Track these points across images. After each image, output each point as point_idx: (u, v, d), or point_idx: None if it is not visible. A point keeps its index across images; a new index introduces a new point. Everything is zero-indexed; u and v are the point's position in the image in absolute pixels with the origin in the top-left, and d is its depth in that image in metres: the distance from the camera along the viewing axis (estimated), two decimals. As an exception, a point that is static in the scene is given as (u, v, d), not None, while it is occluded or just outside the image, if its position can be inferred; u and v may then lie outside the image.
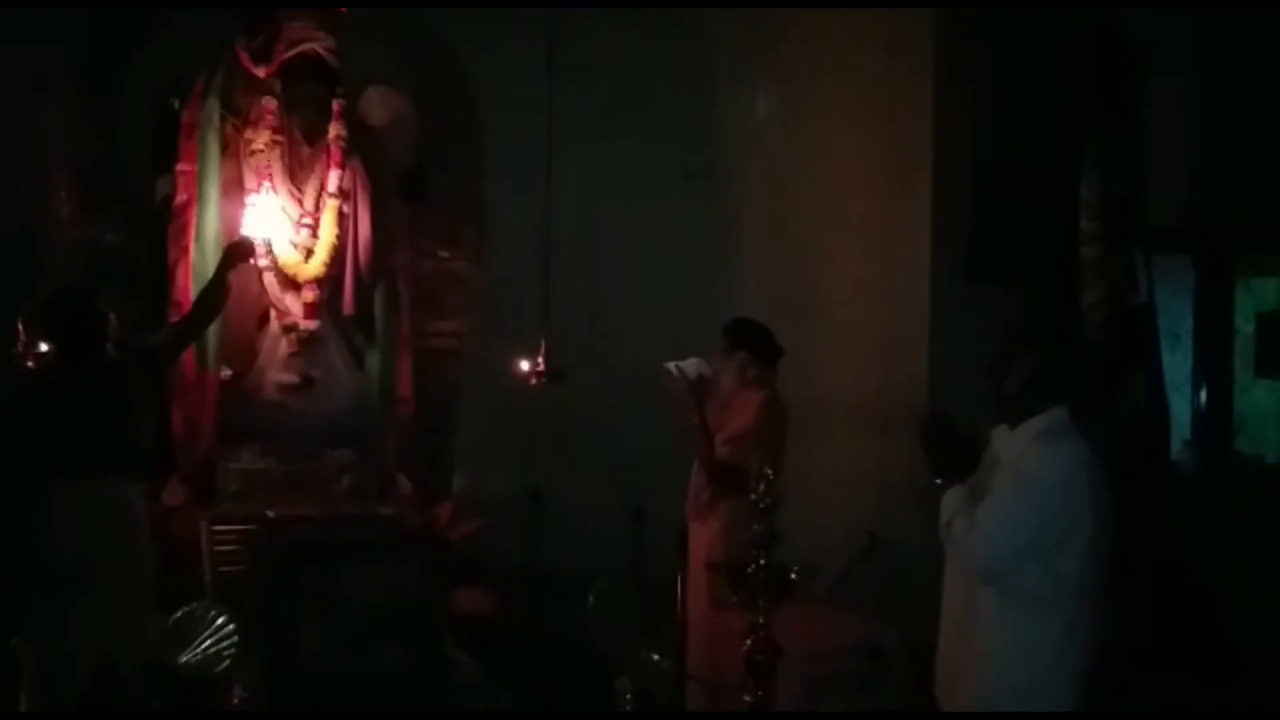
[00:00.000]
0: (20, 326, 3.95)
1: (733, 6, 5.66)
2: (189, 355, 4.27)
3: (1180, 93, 5.12)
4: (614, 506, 5.24)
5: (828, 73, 5.55)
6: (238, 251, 4.11)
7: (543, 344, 4.66)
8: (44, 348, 3.93)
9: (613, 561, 5.01)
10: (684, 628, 4.00)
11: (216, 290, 4.02)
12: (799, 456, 4.22)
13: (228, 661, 2.52)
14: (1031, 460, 2.47)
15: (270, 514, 4.07)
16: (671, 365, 4.07)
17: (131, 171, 5.10)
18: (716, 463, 4.04)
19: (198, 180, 4.41)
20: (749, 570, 2.67)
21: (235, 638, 2.51)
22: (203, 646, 2.50)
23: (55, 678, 3.07)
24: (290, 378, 4.44)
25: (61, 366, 3.63)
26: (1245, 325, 5.57)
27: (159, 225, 4.59)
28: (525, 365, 4.68)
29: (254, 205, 4.36)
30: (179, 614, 2.57)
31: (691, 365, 4.07)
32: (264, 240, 4.27)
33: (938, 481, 2.71)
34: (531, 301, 4.98)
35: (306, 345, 4.47)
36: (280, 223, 4.43)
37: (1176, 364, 5.41)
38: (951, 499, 2.58)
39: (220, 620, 2.53)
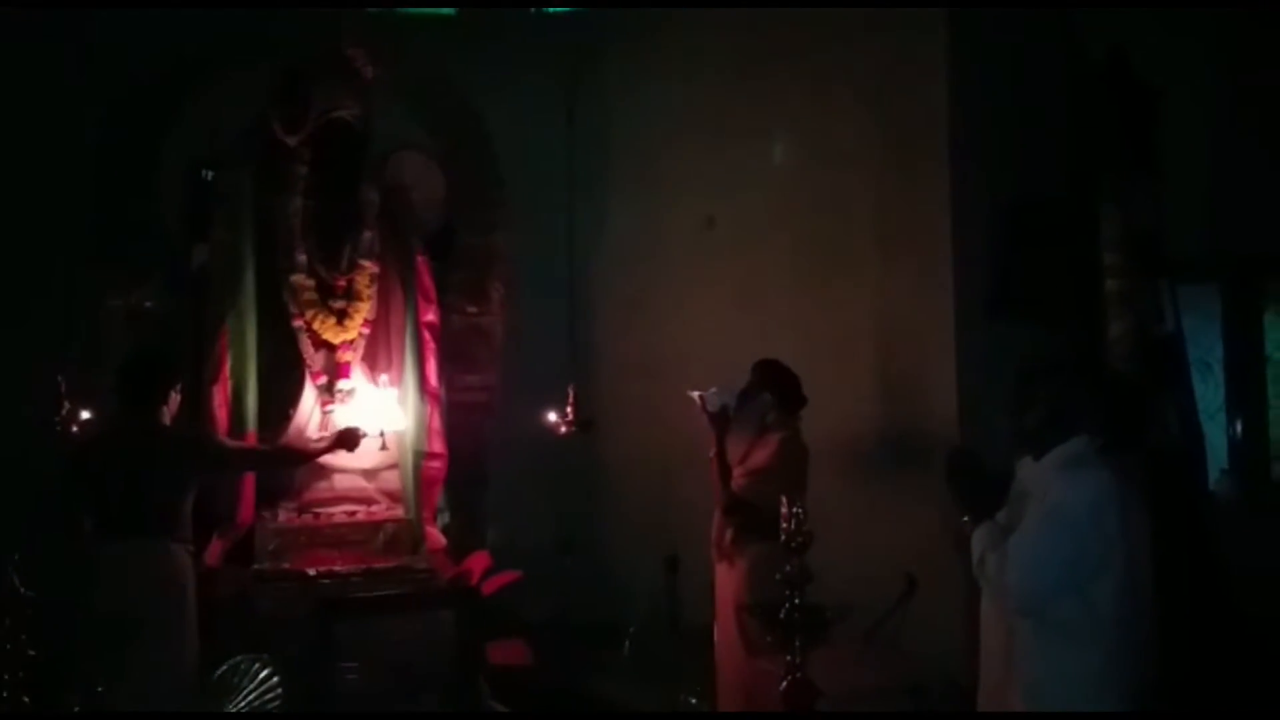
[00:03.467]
0: (62, 392, 4.06)
1: (742, 6, 5.74)
2: (226, 415, 4.37)
3: (1205, 122, 5.16)
4: (647, 557, 5.26)
5: (845, 114, 5.62)
6: (344, 441, 4.20)
7: (570, 394, 4.73)
8: (85, 415, 4.05)
9: (647, 612, 5.02)
10: (716, 670, 4.00)
11: (306, 456, 4.26)
12: (831, 497, 4.23)
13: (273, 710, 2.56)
14: (1056, 490, 2.47)
15: (310, 571, 4.13)
16: (695, 393, 4.14)
17: (168, 239, 5.24)
18: (730, 495, 4.08)
19: (230, 248, 4.55)
20: (782, 611, 2.69)
21: (279, 690, 2.55)
22: (248, 698, 2.54)
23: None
24: (325, 435, 4.51)
25: (120, 429, 3.75)
26: (1276, 352, 5.54)
27: (196, 292, 4.71)
28: (553, 416, 4.75)
29: (358, 393, 4.51)
30: (224, 667, 2.62)
31: (714, 396, 4.14)
32: (370, 433, 4.33)
33: (965, 519, 2.72)
34: (558, 353, 5.06)
35: (340, 405, 4.55)
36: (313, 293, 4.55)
37: (1210, 393, 5.38)
38: (982, 535, 2.58)
39: (265, 673, 2.57)
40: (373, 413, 4.39)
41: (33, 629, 2.13)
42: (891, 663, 3.76)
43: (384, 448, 4.40)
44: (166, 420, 3.75)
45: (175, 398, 3.79)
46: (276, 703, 2.52)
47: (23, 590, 2.10)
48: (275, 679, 2.51)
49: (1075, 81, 5.18)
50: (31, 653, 2.12)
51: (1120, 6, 5.05)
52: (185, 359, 4.30)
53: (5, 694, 2.07)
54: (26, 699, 2.08)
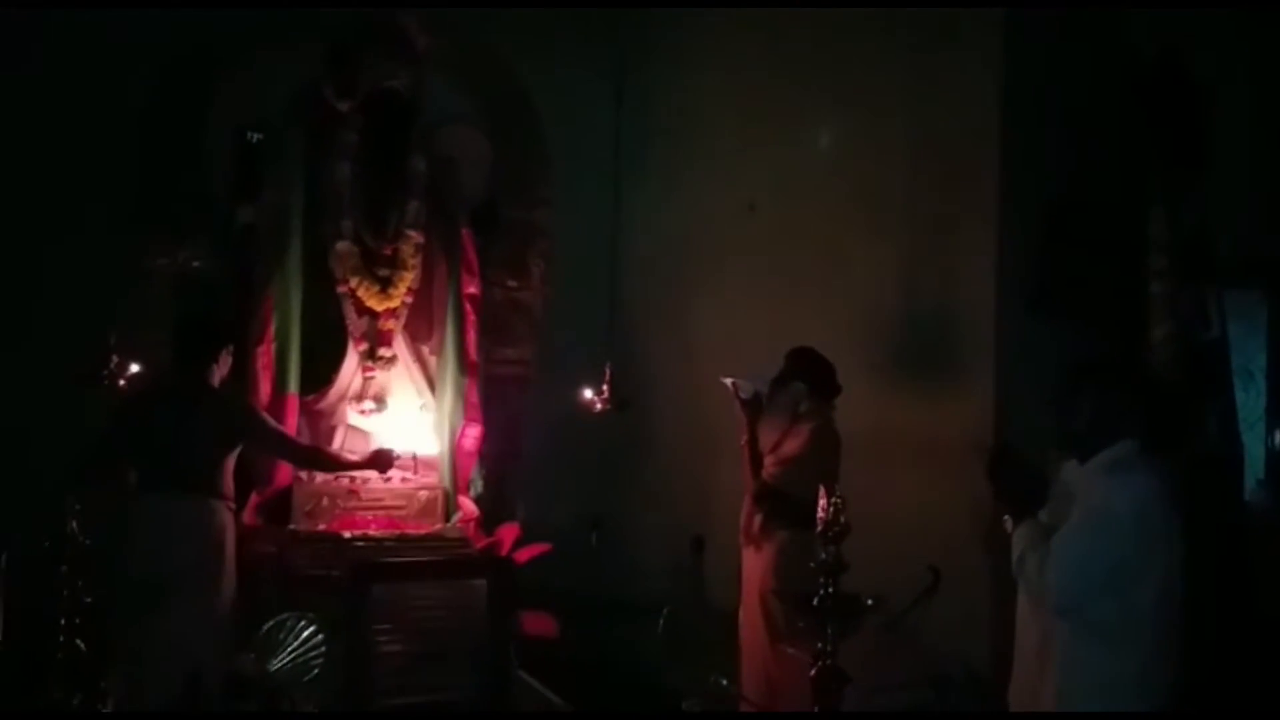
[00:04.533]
0: (110, 345, 4.13)
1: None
2: (269, 377, 4.44)
3: (1250, 125, 5.08)
4: (675, 536, 5.29)
5: (893, 107, 5.58)
6: (376, 462, 4.26)
7: (606, 372, 4.75)
8: (135, 368, 4.12)
9: (673, 591, 5.05)
10: (739, 654, 4.03)
11: (337, 465, 4.30)
12: (860, 488, 4.24)
13: (316, 671, 2.61)
14: (1102, 493, 2.48)
15: (345, 534, 4.19)
16: (728, 380, 4.15)
17: (214, 201, 5.29)
18: (760, 483, 4.09)
19: (278, 211, 4.60)
20: (816, 598, 2.70)
21: (323, 648, 2.60)
22: (291, 656, 2.59)
23: (144, 689, 3.19)
24: (365, 402, 4.57)
25: (170, 385, 3.82)
26: (1320, 362, 5.46)
27: (242, 253, 4.77)
28: (589, 394, 4.78)
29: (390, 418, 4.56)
30: (269, 624, 2.67)
31: (747, 382, 4.14)
32: (406, 455, 4.41)
33: (1005, 517, 2.72)
34: (596, 331, 5.07)
35: (381, 370, 4.61)
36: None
37: (1250, 402, 5.31)
38: (1023, 533, 2.59)
39: (309, 631, 2.62)
40: (406, 434, 4.45)
41: (90, 576, 2.19)
42: (914, 655, 3.78)
43: (416, 471, 4.46)
44: (216, 381, 3.82)
45: (227, 359, 3.86)
46: (320, 660, 2.57)
47: (82, 538, 2.15)
48: (319, 637, 2.57)
49: (1127, 80, 5.13)
50: (88, 600, 2.17)
51: (1171, 7, 4.99)
52: (232, 320, 4.35)
53: (61, 639, 2.13)
54: (81, 644, 2.14)
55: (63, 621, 2.13)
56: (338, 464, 4.29)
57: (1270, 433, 5.44)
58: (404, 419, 4.66)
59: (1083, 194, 5.17)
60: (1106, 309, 5.02)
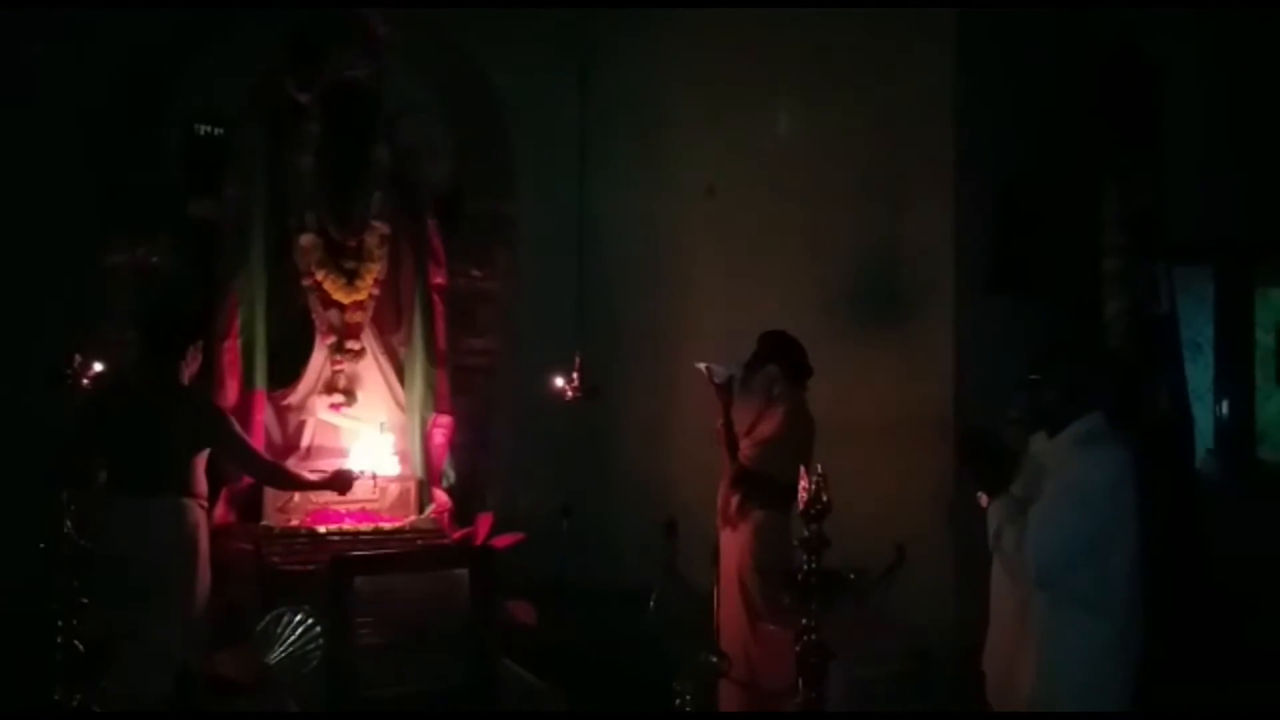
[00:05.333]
0: (74, 347, 4.06)
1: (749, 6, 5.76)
2: (236, 374, 4.39)
3: (1199, 106, 5.22)
4: (644, 522, 5.33)
5: (848, 88, 5.64)
6: (336, 483, 4.16)
7: (576, 360, 4.77)
8: (98, 367, 4.05)
9: (643, 576, 5.10)
10: (718, 634, 4.10)
11: (299, 485, 4.20)
12: (826, 468, 4.31)
13: (314, 662, 2.61)
14: (1076, 466, 2.55)
15: (320, 529, 4.17)
16: (701, 365, 4.20)
17: (170, 196, 5.21)
18: (738, 466, 4.15)
19: (241, 205, 4.55)
20: (799, 574, 2.76)
21: (321, 640, 2.60)
22: (290, 648, 2.59)
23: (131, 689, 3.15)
24: (334, 395, 4.55)
25: (139, 382, 3.75)
26: (1265, 336, 5.66)
27: (202, 249, 4.70)
28: (560, 382, 4.79)
29: (358, 440, 4.50)
30: (266, 618, 2.67)
31: (721, 368, 4.20)
32: (364, 472, 4.32)
33: (979, 494, 2.79)
34: (563, 320, 5.08)
35: (349, 363, 4.59)
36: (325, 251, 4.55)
37: (1198, 374, 5.49)
38: (998, 508, 2.65)
39: (307, 623, 2.62)
40: (368, 454, 4.41)
41: (85, 577, 2.17)
42: (886, 629, 3.87)
43: (375, 491, 4.41)
44: (185, 379, 3.77)
45: (196, 355, 3.81)
46: (318, 652, 2.58)
47: (78, 538, 2.13)
48: (317, 629, 2.57)
49: (1081, 61, 5.23)
50: (84, 600, 2.15)
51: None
52: (200, 315, 4.29)
53: (60, 639, 2.11)
54: (80, 646, 2.12)
55: (60, 623, 2.11)
56: (298, 484, 4.19)
57: (1218, 403, 5.63)
58: (373, 413, 4.64)
59: (1037, 173, 5.28)
60: (1063, 286, 5.14)
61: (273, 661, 2.59)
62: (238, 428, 4.00)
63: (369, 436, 4.52)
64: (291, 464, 4.50)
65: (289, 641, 2.58)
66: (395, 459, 4.55)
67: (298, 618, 2.64)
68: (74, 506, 2.10)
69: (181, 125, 5.17)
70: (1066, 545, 2.48)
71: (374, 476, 4.34)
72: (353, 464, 4.31)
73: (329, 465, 4.37)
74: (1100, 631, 2.49)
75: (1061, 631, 2.51)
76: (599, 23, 4.92)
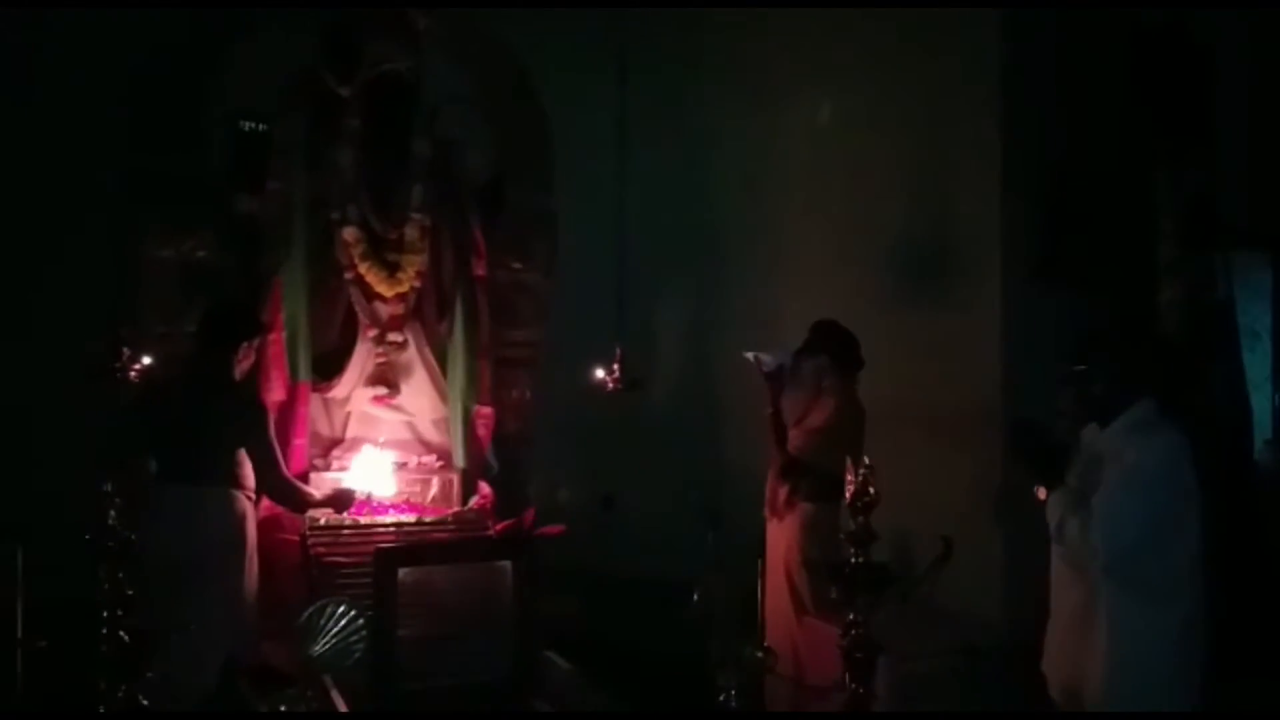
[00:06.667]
0: (120, 338, 4.10)
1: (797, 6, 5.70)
2: (281, 367, 4.42)
3: (1255, 88, 5.08)
4: (688, 513, 5.29)
5: (894, 75, 5.56)
6: (336, 501, 4.11)
7: (618, 352, 4.75)
8: (146, 361, 4.09)
9: (686, 568, 5.07)
10: (763, 628, 4.05)
11: (304, 503, 4.07)
12: (873, 460, 4.25)
13: (358, 654, 2.61)
14: (1133, 453, 2.51)
15: (363, 520, 4.19)
16: (750, 354, 4.15)
17: (215, 191, 5.25)
18: (786, 455, 4.10)
19: (283, 199, 4.57)
20: (846, 567, 2.71)
21: (363, 632, 2.60)
22: (334, 640, 2.59)
23: (178, 680, 3.18)
24: (377, 388, 4.56)
25: (190, 375, 3.78)
26: (1325, 323, 5.50)
27: (247, 244, 4.73)
28: (601, 374, 4.77)
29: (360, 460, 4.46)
30: (309, 610, 2.67)
31: (770, 357, 4.15)
32: (365, 493, 4.29)
33: (1036, 488, 2.74)
34: (605, 311, 5.05)
35: (392, 356, 4.60)
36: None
37: (1256, 363, 5.35)
38: (1058, 500, 2.61)
39: (350, 615, 2.62)
40: (366, 474, 4.36)
41: (130, 568, 2.18)
42: (933, 625, 3.81)
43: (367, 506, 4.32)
44: (237, 374, 3.80)
45: (250, 352, 3.84)
46: (360, 644, 2.58)
47: (122, 529, 2.14)
48: (360, 621, 2.57)
49: (1128, 47, 5.12)
50: (130, 592, 2.17)
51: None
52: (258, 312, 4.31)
53: (105, 631, 2.13)
54: (126, 637, 2.13)
55: (106, 614, 2.12)
56: (302, 503, 4.07)
57: (1276, 392, 5.48)
58: (416, 404, 4.64)
59: (1084, 162, 5.18)
60: (1112, 275, 5.04)
61: (315, 654, 2.59)
62: (271, 434, 3.92)
63: (369, 455, 4.47)
64: (336, 455, 4.53)
65: (332, 634, 2.59)
66: (394, 479, 4.48)
67: (340, 609, 2.64)
68: (118, 498, 2.10)
69: (225, 121, 5.20)
70: (1133, 531, 2.45)
71: (369, 496, 4.27)
72: (352, 482, 4.27)
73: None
74: (1168, 621, 2.47)
75: (1128, 620, 2.48)
76: (638, 18, 4.89)
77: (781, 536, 4.10)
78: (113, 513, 2.11)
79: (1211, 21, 4.90)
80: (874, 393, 4.41)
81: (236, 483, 3.69)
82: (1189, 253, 4.73)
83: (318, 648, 2.59)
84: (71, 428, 4.12)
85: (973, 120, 5.27)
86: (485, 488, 4.65)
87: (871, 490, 2.68)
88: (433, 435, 4.72)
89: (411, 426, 4.69)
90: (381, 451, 4.49)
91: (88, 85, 4.92)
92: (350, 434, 4.59)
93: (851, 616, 2.69)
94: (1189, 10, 4.91)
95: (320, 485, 4.28)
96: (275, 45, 4.87)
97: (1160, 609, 2.46)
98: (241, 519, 3.68)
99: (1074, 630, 2.63)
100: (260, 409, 3.91)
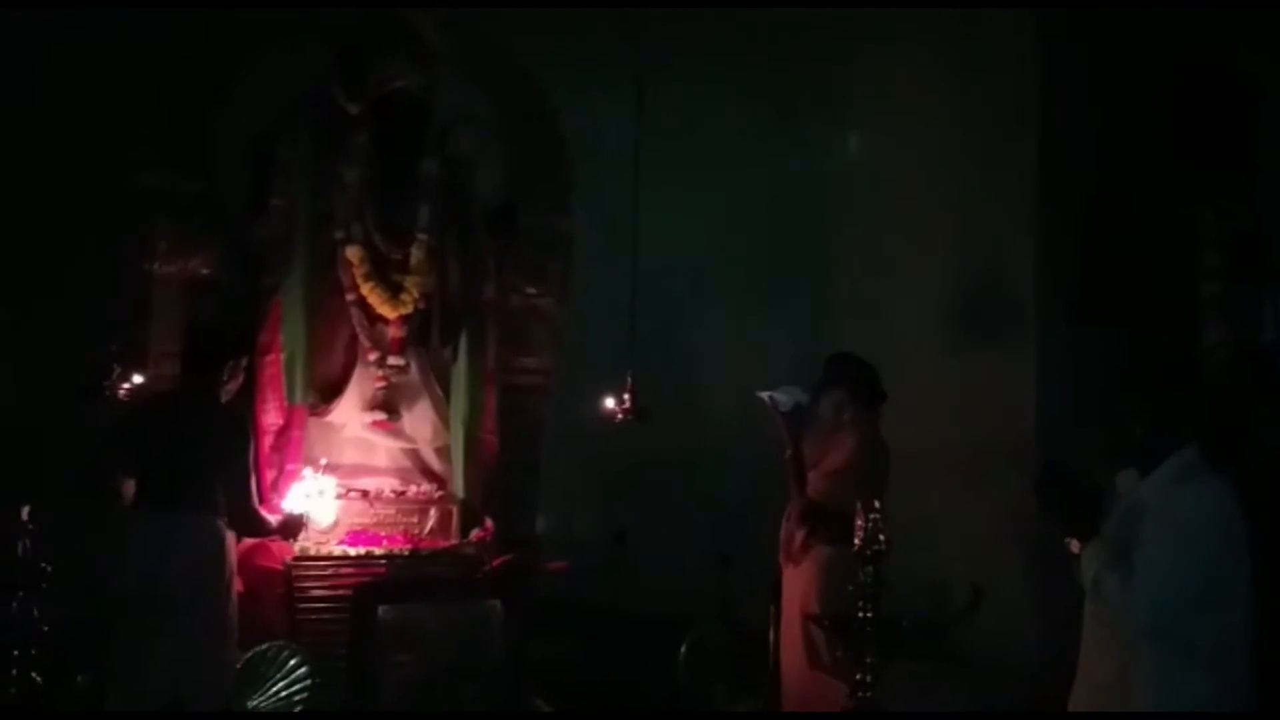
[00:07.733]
0: (113, 355, 3.97)
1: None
2: (278, 389, 4.27)
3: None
4: (699, 551, 5.08)
5: (928, 109, 5.41)
6: (285, 529, 3.85)
7: (628, 382, 4.55)
8: (138, 379, 3.96)
9: (698, 607, 4.86)
10: (777, 678, 3.81)
11: (265, 531, 3.81)
12: (900, 501, 4.03)
13: (299, 709, 2.40)
14: (1178, 504, 2.29)
15: (351, 551, 4.00)
16: (765, 394, 3.89)
17: (223, 209, 5.15)
18: (807, 499, 3.83)
19: (286, 216, 4.44)
20: (854, 622, 2.49)
21: (308, 681, 2.40)
22: (273, 690, 2.39)
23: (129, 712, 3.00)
24: (376, 412, 4.40)
25: (174, 397, 3.64)
26: (1381, 367, 5.20)
27: (257, 264, 4.60)
28: (610, 403, 4.58)
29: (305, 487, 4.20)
30: (251, 653, 2.47)
31: (785, 395, 3.88)
32: (307, 517, 4.02)
33: (1069, 539, 2.51)
34: (617, 340, 4.87)
35: (393, 380, 4.44)
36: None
37: (1308, 408, 5.06)
38: (1093, 554, 2.37)
39: (293, 662, 2.42)
40: (303, 497, 4.10)
41: (46, 602, 1.99)
42: (959, 679, 3.56)
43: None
44: (225, 396, 3.64)
45: (238, 372, 3.68)
46: (303, 695, 2.36)
47: (39, 562, 1.96)
48: (304, 669, 2.36)
49: (1167, 79, 4.99)
50: (45, 628, 1.98)
51: (1214, 6, 4.81)
52: (249, 330, 4.18)
53: (14, 671, 1.94)
54: (37, 676, 1.94)
55: (15, 653, 1.92)
56: (262, 531, 3.80)
57: (1330, 441, 5.18)
58: (416, 430, 4.48)
59: (1123, 199, 5.03)
60: (1153, 312, 4.85)
61: (251, 706, 2.38)
62: (249, 462, 3.70)
63: (309, 479, 4.19)
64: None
65: (272, 682, 2.37)
66: (333, 507, 4.20)
67: (283, 655, 2.43)
68: (33, 526, 1.92)
69: (235, 136, 5.11)
70: (1179, 589, 2.22)
71: (303, 516, 3.97)
72: (291, 506, 4.01)
73: (366, 484, 4.19)
74: (1215, 685, 2.23)
75: (1174, 687, 2.24)
76: (656, 40, 4.77)
77: (798, 583, 3.82)
78: (26, 541, 1.92)
79: (1252, 54, 4.74)
80: (903, 433, 4.17)
81: (215, 509, 3.50)
82: (1234, 290, 4.52)
83: (256, 699, 2.39)
84: (66, 446, 3.98)
85: (1008, 155, 5.13)
86: (487, 520, 4.45)
87: (882, 538, 2.45)
88: (434, 463, 4.55)
89: (412, 454, 4.52)
90: (322, 476, 4.19)
91: (94, 97, 4.84)
92: (347, 460, 4.42)
93: (858, 677, 2.47)
94: (1230, 43, 4.75)
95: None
96: (283, 59, 4.77)
97: (1210, 674, 2.23)
98: (220, 547, 3.49)
99: (1108, 698, 2.37)
100: (243, 435, 3.70)
